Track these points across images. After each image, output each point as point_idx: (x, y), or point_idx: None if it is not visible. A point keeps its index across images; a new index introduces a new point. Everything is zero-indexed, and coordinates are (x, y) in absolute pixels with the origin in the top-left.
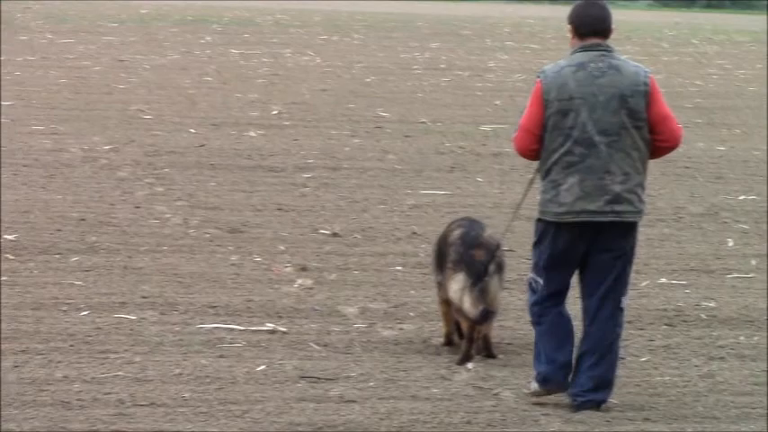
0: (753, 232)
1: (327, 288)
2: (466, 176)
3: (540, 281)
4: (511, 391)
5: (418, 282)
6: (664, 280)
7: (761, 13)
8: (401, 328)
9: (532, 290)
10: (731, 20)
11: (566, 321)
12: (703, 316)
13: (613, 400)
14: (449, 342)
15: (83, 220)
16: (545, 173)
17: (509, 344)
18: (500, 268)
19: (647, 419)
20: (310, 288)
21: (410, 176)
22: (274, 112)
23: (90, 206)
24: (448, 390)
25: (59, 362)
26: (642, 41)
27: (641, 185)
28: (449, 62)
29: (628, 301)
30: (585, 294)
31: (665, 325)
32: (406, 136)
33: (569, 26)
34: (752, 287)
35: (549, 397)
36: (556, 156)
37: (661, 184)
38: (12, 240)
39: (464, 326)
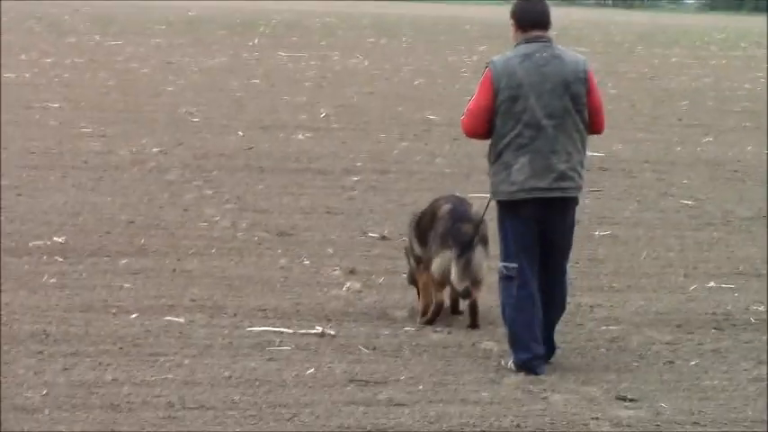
0: None
1: (376, 291)
2: None
3: (513, 265)
4: (560, 395)
5: None
6: (712, 284)
7: None
8: (450, 332)
9: (506, 278)
10: None
11: (537, 309)
12: (752, 320)
13: (663, 404)
14: (431, 316)
15: (132, 222)
16: (496, 155)
17: (557, 348)
18: (484, 241)
19: (696, 423)
20: (359, 291)
21: (459, 179)
22: (322, 115)
23: (139, 209)
24: (497, 393)
25: (109, 364)
26: (691, 45)
27: (581, 163)
28: None
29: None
30: (542, 267)
31: (714, 329)
32: (455, 139)
33: (512, 20)
34: None
35: (599, 399)
36: (507, 139)
37: (710, 187)
38: (61, 243)
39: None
